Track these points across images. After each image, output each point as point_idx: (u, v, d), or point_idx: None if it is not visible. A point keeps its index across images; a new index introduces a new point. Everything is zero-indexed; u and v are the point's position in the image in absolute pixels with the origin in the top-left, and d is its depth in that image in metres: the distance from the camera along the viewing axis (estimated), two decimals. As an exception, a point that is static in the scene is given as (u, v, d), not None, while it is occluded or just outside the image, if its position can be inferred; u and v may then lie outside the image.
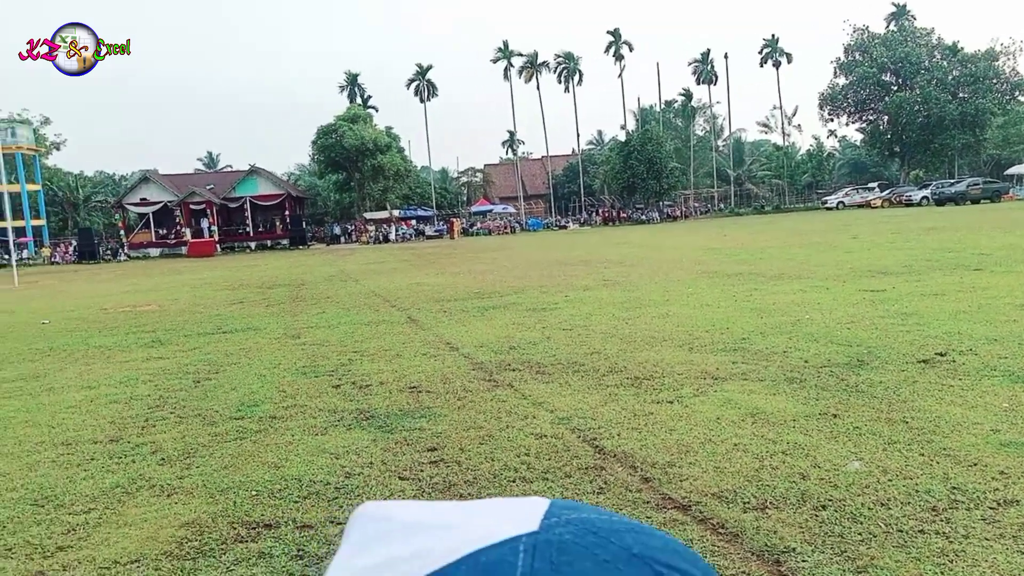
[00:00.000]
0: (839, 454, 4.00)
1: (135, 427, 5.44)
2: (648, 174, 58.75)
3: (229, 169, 64.37)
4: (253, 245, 50.42)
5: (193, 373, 7.34)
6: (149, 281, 23.12)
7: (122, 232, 50.76)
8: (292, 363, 7.60)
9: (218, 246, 47.99)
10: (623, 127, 71.90)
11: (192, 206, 49.64)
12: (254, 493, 3.96)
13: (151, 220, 49.86)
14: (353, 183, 56.40)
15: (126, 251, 47.49)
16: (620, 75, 69.07)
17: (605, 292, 12.11)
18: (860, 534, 3.08)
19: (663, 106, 72.93)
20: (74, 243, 47.86)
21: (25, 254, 45.11)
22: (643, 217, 60.31)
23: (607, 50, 68.93)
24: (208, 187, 51.97)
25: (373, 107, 63.84)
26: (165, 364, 7.96)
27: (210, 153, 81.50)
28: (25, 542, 3.50)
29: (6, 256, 37.78)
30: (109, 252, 46.97)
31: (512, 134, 70.79)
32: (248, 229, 51.61)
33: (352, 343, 8.63)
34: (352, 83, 65.57)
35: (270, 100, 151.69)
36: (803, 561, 2.89)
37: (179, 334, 10.21)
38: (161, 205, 49.36)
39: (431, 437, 4.75)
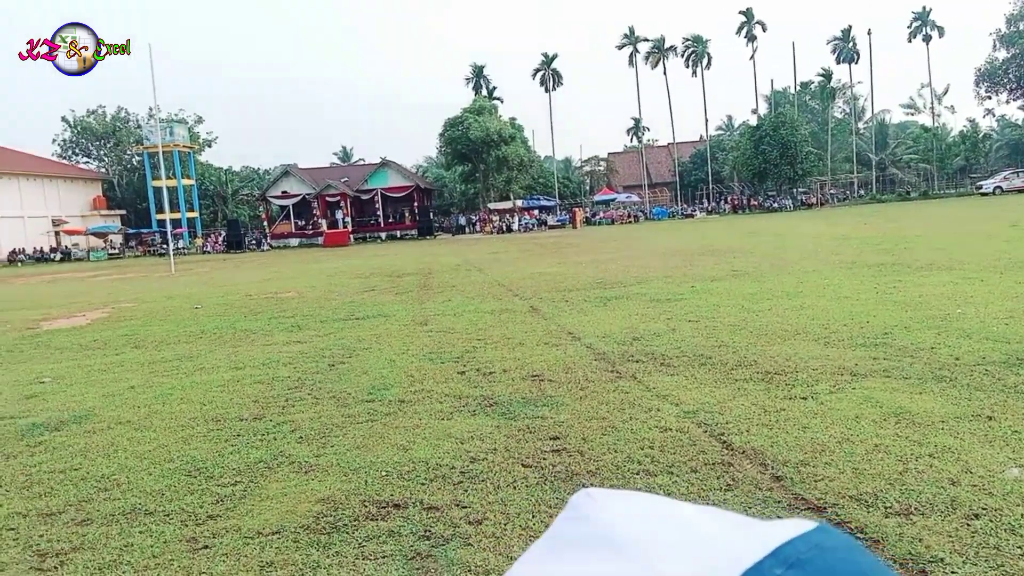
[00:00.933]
0: (995, 460, 3.68)
1: (276, 406, 5.78)
2: (781, 159, 56.21)
3: (362, 162, 67.04)
4: (383, 235, 52.35)
5: (328, 357, 7.72)
6: (289, 269, 24.51)
7: (265, 223, 54.06)
8: (420, 349, 7.83)
9: (351, 236, 50.18)
10: (754, 111, 69.14)
11: (328, 198, 52.13)
12: (384, 473, 4.11)
13: (291, 212, 52.79)
14: (478, 174, 57.36)
15: (268, 241, 50.52)
16: (752, 57, 66.43)
17: (734, 283, 11.72)
18: (1020, 547, 2.82)
19: (798, 88, 69.52)
20: (223, 233, 51.39)
21: (180, 243, 48.89)
22: (775, 205, 57.86)
23: (739, 31, 66.45)
24: (343, 180, 54.38)
25: (498, 98, 64.56)
26: (303, 348, 8.41)
27: (344, 147, 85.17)
28: (180, 509, 3.80)
29: (165, 245, 41.14)
30: (254, 242, 50.14)
31: (637, 121, 69.70)
32: (379, 220, 53.63)
33: (476, 331, 8.79)
34: (478, 75, 66.59)
35: (401, 94, 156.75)
36: (952, 573, 2.68)
37: (316, 320, 10.76)
38: (300, 197, 52.15)
39: (553, 426, 4.76)
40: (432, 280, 16.35)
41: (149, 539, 3.45)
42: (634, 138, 72.10)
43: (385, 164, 54.70)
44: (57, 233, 52.09)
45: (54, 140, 62.71)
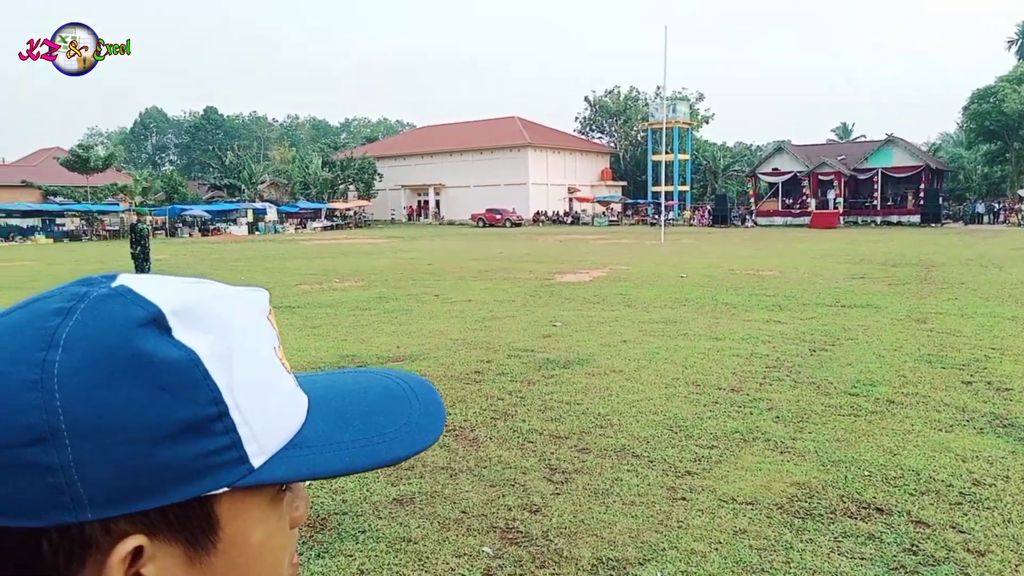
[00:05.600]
0: None
1: (753, 382, 5.84)
2: None
3: (863, 139, 62.04)
4: (878, 219, 47.92)
5: (809, 342, 7.47)
6: (771, 248, 24.19)
7: (752, 200, 54.03)
8: (915, 348, 7.07)
9: (841, 218, 47.12)
10: None
11: (820, 176, 49.63)
12: (866, 473, 3.86)
13: (779, 189, 51.72)
14: (1008, 154, 48.40)
15: (753, 218, 50.44)
16: None
17: None
18: None
19: None
20: (710, 208, 52.96)
21: (671, 215, 51.89)
22: None
23: None
24: (839, 158, 51.17)
25: (1052, 63, 53.10)
26: (783, 328, 8.28)
27: (844, 124, 79.77)
28: (662, 459, 4.13)
29: (656, 216, 44.16)
30: (738, 218, 50.63)
31: None
32: (875, 203, 49.22)
33: (990, 338, 7.56)
34: (1024, 36, 55.53)
35: (916, 64, 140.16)
36: None
37: (797, 302, 10.47)
38: (790, 175, 50.70)
39: (1094, 467, 3.88)
40: (934, 274, 14.49)
41: (635, 478, 3.84)
42: None
43: (890, 141, 49.71)
44: (570, 199, 59.90)
45: (576, 118, 71.80)
